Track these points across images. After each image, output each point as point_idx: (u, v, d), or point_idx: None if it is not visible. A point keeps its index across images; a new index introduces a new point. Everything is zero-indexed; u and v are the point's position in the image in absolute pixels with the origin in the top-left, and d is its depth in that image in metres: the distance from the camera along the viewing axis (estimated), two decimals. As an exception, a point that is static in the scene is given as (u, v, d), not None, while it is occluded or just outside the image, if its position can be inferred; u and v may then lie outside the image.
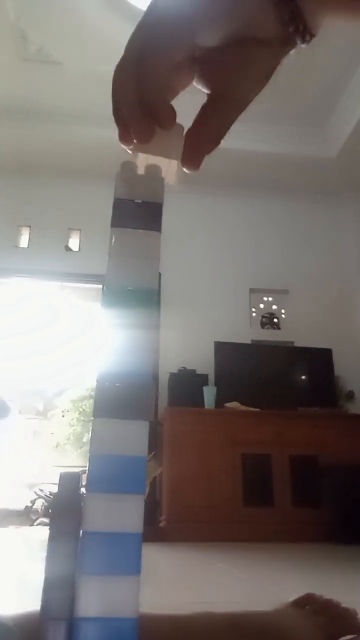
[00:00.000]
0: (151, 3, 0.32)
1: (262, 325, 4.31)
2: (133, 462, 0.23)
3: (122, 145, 0.33)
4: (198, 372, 3.73)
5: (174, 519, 3.15)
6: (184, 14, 0.31)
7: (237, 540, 2.96)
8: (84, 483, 0.24)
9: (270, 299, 4.39)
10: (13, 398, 5.96)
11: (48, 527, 0.26)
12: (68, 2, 3.22)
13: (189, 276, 4.21)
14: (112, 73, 0.32)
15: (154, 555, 2.28)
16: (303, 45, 0.34)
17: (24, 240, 4.30)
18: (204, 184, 4.14)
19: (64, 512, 0.24)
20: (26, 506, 4.91)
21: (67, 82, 3.68)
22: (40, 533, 3.59)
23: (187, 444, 3.34)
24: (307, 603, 0.76)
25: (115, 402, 0.24)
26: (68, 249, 4.29)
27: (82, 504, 0.25)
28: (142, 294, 0.26)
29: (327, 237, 4.57)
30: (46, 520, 4.45)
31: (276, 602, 0.76)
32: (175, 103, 0.33)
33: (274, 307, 4.38)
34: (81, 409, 5.94)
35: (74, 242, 4.32)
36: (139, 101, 0.31)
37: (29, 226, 4.31)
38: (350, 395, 4.00)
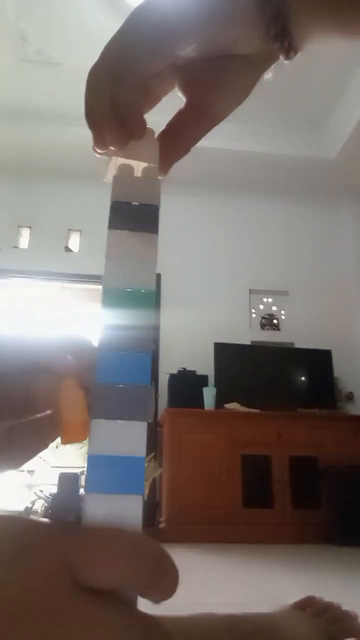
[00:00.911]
0: (135, 9, 0.31)
1: (262, 326, 4.31)
2: (132, 463, 0.23)
3: (97, 150, 0.33)
4: (198, 373, 3.73)
5: (173, 520, 3.15)
6: (167, 25, 0.30)
7: (236, 542, 2.96)
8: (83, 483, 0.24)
9: (270, 300, 4.39)
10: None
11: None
12: (68, 3, 3.23)
13: (188, 277, 4.21)
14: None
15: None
16: (285, 62, 0.34)
17: (23, 241, 4.29)
18: (204, 185, 4.15)
19: (63, 512, 0.24)
20: (26, 507, 4.90)
21: (66, 82, 3.68)
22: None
23: (187, 445, 3.34)
24: (307, 605, 0.76)
25: (113, 403, 0.24)
26: (68, 249, 4.29)
27: (81, 504, 0.24)
28: (139, 296, 0.26)
29: (327, 238, 4.58)
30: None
31: (276, 604, 0.76)
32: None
33: (274, 308, 4.38)
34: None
35: (74, 243, 4.32)
36: (113, 112, 0.30)
37: (29, 227, 4.31)
38: (350, 397, 4.00)
